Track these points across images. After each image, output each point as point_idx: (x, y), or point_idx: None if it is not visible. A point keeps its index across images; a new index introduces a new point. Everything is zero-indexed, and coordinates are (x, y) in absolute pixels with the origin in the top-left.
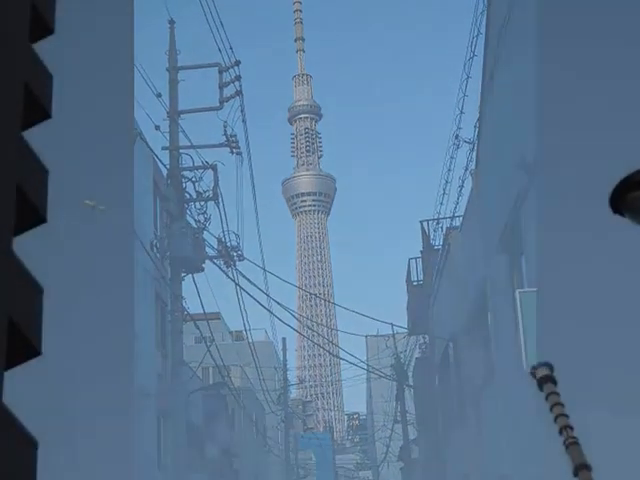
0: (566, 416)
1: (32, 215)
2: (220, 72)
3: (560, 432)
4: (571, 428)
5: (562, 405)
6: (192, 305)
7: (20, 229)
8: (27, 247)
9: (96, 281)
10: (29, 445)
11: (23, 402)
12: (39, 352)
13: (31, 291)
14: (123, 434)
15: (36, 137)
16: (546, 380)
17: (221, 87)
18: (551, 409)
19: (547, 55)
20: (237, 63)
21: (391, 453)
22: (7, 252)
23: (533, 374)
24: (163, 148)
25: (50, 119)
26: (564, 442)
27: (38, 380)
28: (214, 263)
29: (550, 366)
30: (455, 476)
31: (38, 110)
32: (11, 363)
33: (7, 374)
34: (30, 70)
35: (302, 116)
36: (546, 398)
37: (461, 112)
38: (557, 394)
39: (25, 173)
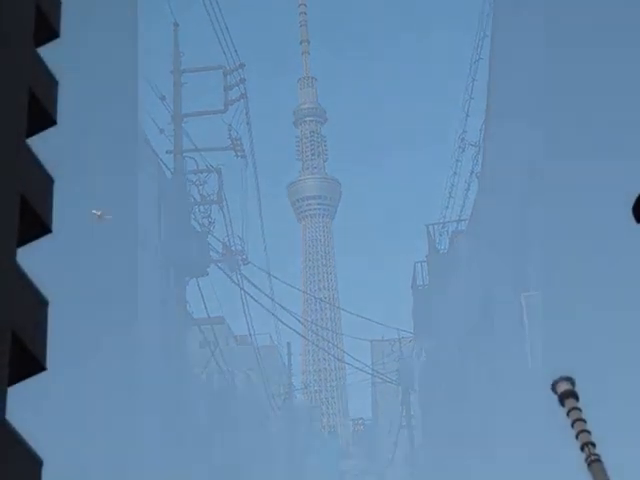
0: (588, 432)
1: (37, 226)
2: (225, 75)
3: (582, 449)
4: (593, 445)
5: (584, 421)
6: (196, 309)
7: (25, 240)
8: (31, 254)
9: (100, 285)
10: (34, 463)
11: (28, 414)
12: (44, 367)
13: (36, 303)
14: (128, 439)
15: (39, 142)
16: (568, 395)
17: (226, 90)
18: (572, 425)
19: (553, 58)
20: (241, 66)
21: (396, 458)
22: (11, 264)
23: (554, 389)
24: (167, 152)
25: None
26: (586, 459)
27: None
28: (218, 267)
29: (572, 380)
30: None
31: (43, 117)
32: (15, 379)
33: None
34: (35, 75)
35: (307, 119)
36: (567, 414)
37: (467, 115)
38: (579, 410)
39: (30, 182)
